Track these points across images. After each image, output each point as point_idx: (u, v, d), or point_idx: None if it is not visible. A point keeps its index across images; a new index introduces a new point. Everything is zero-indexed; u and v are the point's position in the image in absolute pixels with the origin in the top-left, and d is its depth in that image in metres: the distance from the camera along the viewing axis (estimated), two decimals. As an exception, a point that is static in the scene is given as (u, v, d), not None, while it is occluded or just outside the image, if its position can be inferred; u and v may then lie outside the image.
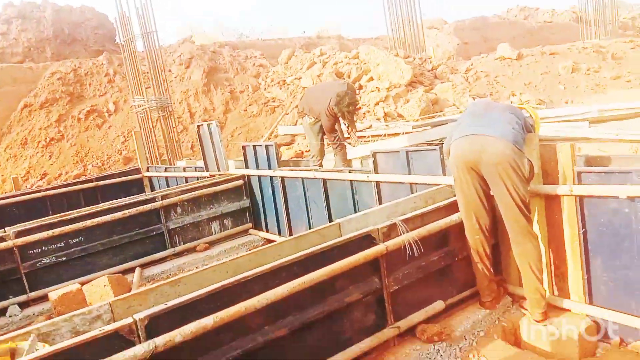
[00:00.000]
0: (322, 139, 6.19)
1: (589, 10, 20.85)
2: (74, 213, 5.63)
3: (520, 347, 3.38)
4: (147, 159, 9.83)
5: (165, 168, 8.86)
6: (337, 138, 6.06)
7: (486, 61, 14.52)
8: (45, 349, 2.11)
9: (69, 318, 2.38)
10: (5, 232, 5.24)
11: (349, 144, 6.31)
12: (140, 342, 2.25)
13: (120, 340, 2.24)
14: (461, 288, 3.68)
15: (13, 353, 2.18)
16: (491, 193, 3.37)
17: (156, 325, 2.33)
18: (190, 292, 2.54)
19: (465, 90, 11.84)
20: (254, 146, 6.57)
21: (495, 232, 3.68)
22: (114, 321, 2.45)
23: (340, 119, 6.11)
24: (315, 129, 6.19)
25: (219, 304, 2.52)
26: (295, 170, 5.97)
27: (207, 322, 2.40)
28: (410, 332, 3.32)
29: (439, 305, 3.47)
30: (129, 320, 2.26)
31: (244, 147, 6.79)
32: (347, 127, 6.34)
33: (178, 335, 2.31)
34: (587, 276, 3.33)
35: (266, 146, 6.29)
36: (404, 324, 3.27)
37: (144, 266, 5.83)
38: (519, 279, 3.55)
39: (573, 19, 26.48)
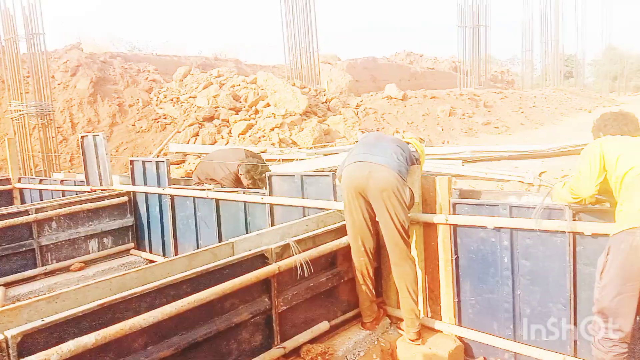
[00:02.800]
0: None
1: (467, 61, 23.09)
2: None
3: (397, 366, 3.60)
4: (20, 169, 8.97)
5: (40, 180, 8.12)
6: None
7: (375, 99, 15.43)
8: None
9: None
10: None
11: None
12: (9, 362, 2.07)
13: (-14, 359, 2.04)
14: (345, 309, 3.83)
15: None
16: (377, 219, 3.60)
17: (30, 343, 2.15)
18: (70, 308, 2.39)
19: (355, 124, 12.45)
20: (144, 162, 6.32)
21: (379, 256, 3.91)
22: (-20, 339, 2.22)
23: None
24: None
25: (102, 321, 2.39)
26: (187, 189, 5.83)
27: (88, 340, 2.27)
28: (295, 353, 3.38)
29: (324, 325, 3.57)
30: (-1, 337, 2.07)
31: (131, 162, 6.50)
32: None
33: (55, 354, 2.15)
34: (457, 299, 3.65)
35: (157, 162, 6.09)
36: (290, 344, 3.32)
37: (9, 285, 5.27)
38: (398, 301, 3.79)
39: (452, 67, 29.10)
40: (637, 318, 2.69)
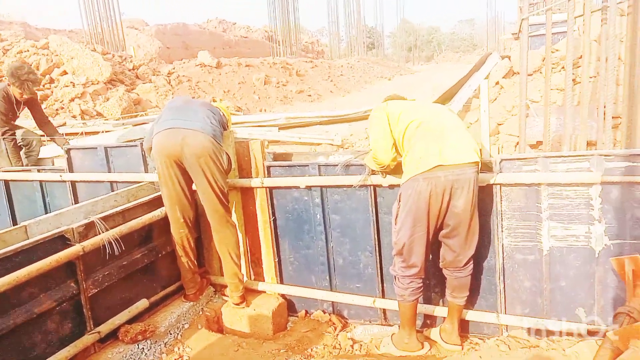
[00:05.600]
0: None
1: (278, 31, 23.54)
2: None
3: (223, 332, 3.60)
4: None
5: None
6: (10, 132, 5.24)
7: (188, 66, 14.89)
8: None
9: None
10: None
11: (57, 144, 5.36)
12: None
13: None
14: (166, 283, 3.69)
15: None
16: (194, 187, 3.49)
17: None
18: None
19: (168, 93, 11.88)
20: None
21: (199, 226, 3.83)
22: None
23: (24, 105, 5.29)
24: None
25: None
26: (-35, 170, 4.97)
27: None
28: (113, 335, 3.16)
29: (142, 304, 3.40)
30: None
31: None
32: (36, 119, 5.53)
33: None
34: (277, 259, 3.76)
35: None
36: (105, 327, 3.09)
37: None
38: (221, 269, 3.77)
39: (265, 36, 29.45)
40: (430, 256, 3.09)
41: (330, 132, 7.99)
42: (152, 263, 3.56)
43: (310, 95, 16.13)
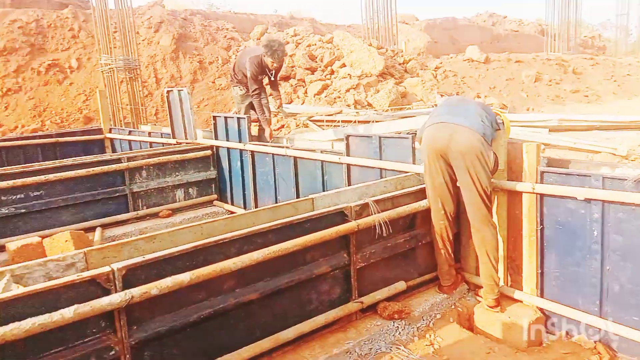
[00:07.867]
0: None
1: (555, 25, 21.63)
2: (37, 165, 5.46)
3: (474, 332, 3.58)
4: (110, 120, 9.51)
5: (130, 131, 8.62)
6: (258, 91, 6.45)
7: (455, 61, 14.88)
8: (21, 289, 2.10)
9: (44, 263, 2.36)
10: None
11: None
12: (116, 291, 2.27)
13: (97, 287, 2.25)
14: (422, 271, 3.85)
15: (-15, 292, 2.16)
16: (457, 184, 3.53)
17: (133, 276, 2.35)
18: (165, 248, 2.57)
19: (433, 87, 12.11)
20: (226, 117, 6.53)
21: (458, 221, 3.86)
22: (88, 270, 2.44)
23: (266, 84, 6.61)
24: (246, 102, 6.73)
25: (195, 262, 2.56)
26: (267, 145, 5.98)
27: (184, 278, 2.44)
28: (372, 309, 3.45)
29: (400, 285, 3.61)
30: (107, 269, 2.27)
31: (214, 118, 6.74)
32: (272, 94, 6.93)
33: (155, 288, 2.34)
34: (540, 270, 3.54)
35: (238, 119, 6.27)
36: (368, 300, 3.39)
37: (105, 226, 5.73)
38: (476, 268, 3.74)
39: (538, 30, 27.37)
40: None
41: (613, 140, 7.05)
42: (411, 249, 3.74)
43: (587, 96, 14.46)
